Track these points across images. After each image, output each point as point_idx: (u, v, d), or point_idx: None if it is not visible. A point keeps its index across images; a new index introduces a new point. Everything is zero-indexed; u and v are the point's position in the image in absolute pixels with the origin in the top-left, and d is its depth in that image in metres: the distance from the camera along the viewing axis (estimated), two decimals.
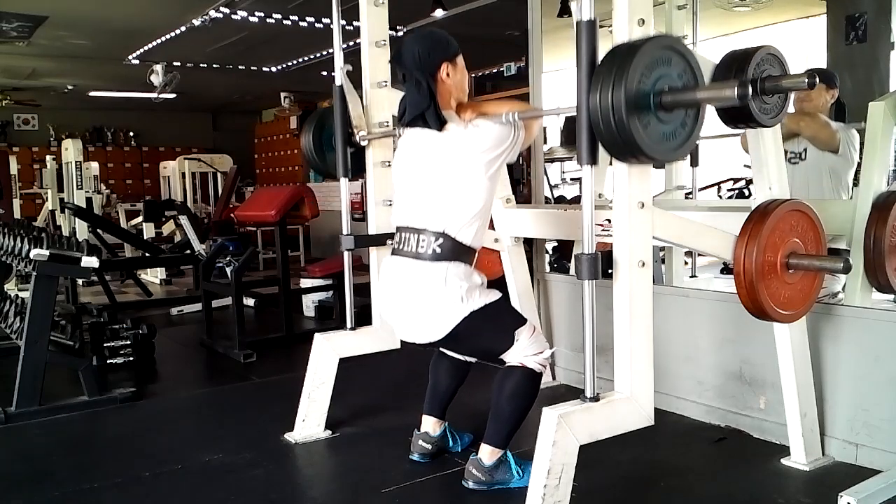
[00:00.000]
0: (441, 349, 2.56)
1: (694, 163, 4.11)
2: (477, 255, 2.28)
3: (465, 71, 2.33)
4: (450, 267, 2.18)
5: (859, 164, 2.88)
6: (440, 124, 2.21)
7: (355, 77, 2.85)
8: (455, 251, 2.19)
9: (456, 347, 2.39)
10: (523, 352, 2.20)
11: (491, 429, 2.28)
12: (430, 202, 2.23)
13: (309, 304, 5.49)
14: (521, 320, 2.27)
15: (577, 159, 1.85)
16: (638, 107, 1.69)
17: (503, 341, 2.21)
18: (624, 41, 1.81)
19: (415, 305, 2.23)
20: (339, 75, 2.79)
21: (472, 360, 2.54)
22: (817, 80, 3.12)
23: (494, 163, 2.18)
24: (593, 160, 1.82)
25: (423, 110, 2.21)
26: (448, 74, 2.25)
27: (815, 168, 3.12)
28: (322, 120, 2.95)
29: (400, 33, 6.00)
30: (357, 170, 2.86)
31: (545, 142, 4.84)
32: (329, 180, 2.99)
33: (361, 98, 2.82)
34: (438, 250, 2.18)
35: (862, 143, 2.93)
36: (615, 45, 1.79)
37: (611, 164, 3.29)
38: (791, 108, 3.04)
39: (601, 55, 1.79)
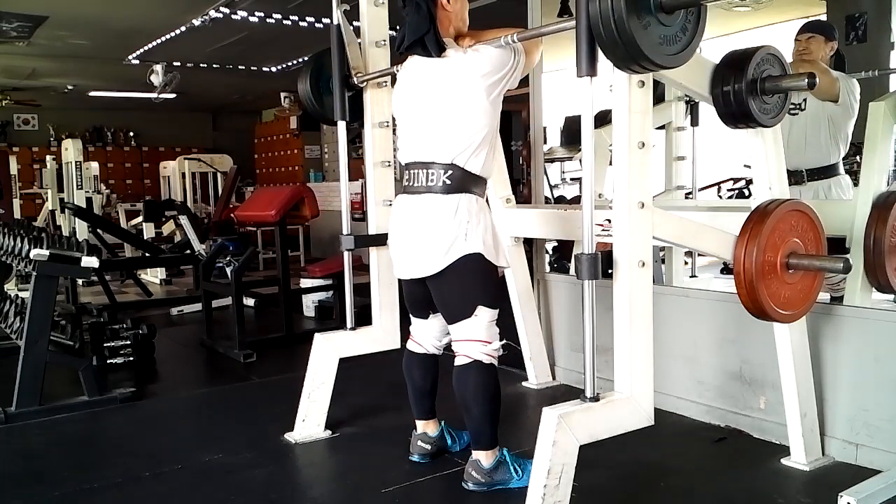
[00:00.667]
0: (409, 349, 2.55)
1: (694, 122, 4.10)
2: (487, 184, 2.28)
3: (465, 2, 2.30)
4: (461, 199, 2.17)
5: (859, 117, 2.86)
6: (439, 49, 2.18)
7: None
8: (465, 181, 2.18)
9: (435, 289, 2.32)
10: (473, 333, 2.20)
11: (473, 434, 2.29)
12: (435, 133, 2.21)
13: (309, 304, 5.49)
14: (493, 302, 2.25)
15: (576, 71, 1.81)
16: (637, 7, 1.69)
17: (466, 306, 2.21)
18: None
19: (421, 236, 2.23)
20: (337, 15, 2.72)
21: (437, 350, 2.52)
22: (816, 34, 3.14)
23: (496, 87, 2.16)
24: (593, 70, 1.80)
25: (422, 34, 2.18)
26: (449, 1, 2.22)
27: (814, 118, 3.12)
28: (319, 63, 2.89)
29: None
30: (355, 114, 2.79)
31: (545, 142, 4.84)
32: (327, 124, 2.92)
33: (360, 45, 2.77)
34: (449, 182, 2.17)
35: (862, 105, 2.91)
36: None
37: (611, 163, 3.30)
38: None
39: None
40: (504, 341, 2.32)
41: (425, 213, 2.22)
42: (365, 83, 2.75)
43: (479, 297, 2.22)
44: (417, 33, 2.19)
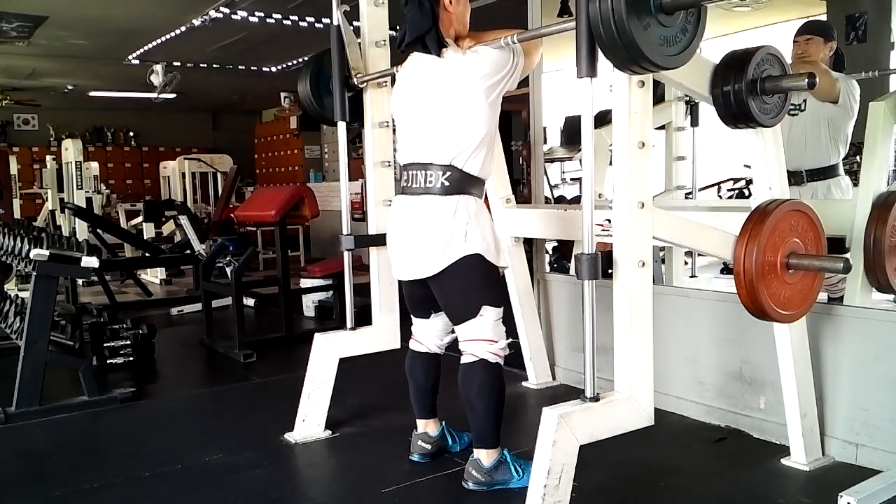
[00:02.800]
0: (412, 348, 2.55)
1: (694, 123, 4.10)
2: (486, 186, 2.27)
3: (467, 4, 2.31)
4: (460, 201, 2.18)
5: (858, 120, 2.86)
6: (440, 48, 2.19)
7: None
8: (464, 183, 2.18)
9: (437, 290, 2.32)
10: (479, 333, 2.21)
11: (476, 432, 2.29)
12: (434, 135, 2.21)
13: (309, 304, 5.49)
14: (497, 301, 2.26)
15: (576, 71, 1.81)
16: (637, 8, 1.69)
17: (470, 306, 2.21)
18: None
19: (420, 237, 2.23)
20: (337, 15, 2.72)
21: (439, 349, 2.53)
22: (815, 36, 3.13)
23: (495, 89, 2.16)
24: (593, 71, 1.80)
25: (423, 32, 2.19)
26: (451, 2, 2.23)
27: (813, 118, 3.11)
28: (320, 64, 2.90)
29: None
30: (355, 114, 2.80)
31: (545, 142, 4.84)
32: (327, 125, 2.94)
33: (360, 45, 2.77)
34: (447, 183, 2.17)
35: (862, 105, 2.90)
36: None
37: (611, 163, 3.30)
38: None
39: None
40: (510, 340, 2.32)
41: (423, 214, 2.22)
42: (365, 84, 2.76)
43: (483, 297, 2.22)
44: (419, 31, 2.19)
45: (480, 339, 2.22)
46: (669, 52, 1.79)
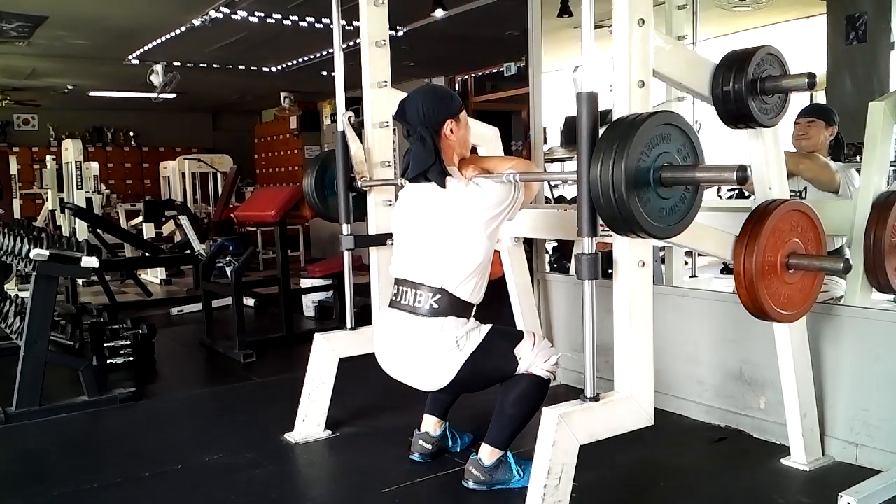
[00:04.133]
0: None
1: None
2: (475, 309, 2.26)
3: (468, 126, 2.34)
4: (446, 321, 2.17)
5: None
6: (443, 180, 2.21)
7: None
8: (452, 307, 2.18)
9: (464, 390, 2.37)
10: (531, 364, 2.20)
11: (493, 430, 2.28)
12: (429, 257, 2.22)
13: (309, 304, 5.49)
14: (518, 337, 2.24)
15: (577, 233, 1.84)
16: (638, 184, 1.70)
17: (507, 366, 2.19)
18: (625, 114, 1.80)
19: (413, 359, 2.23)
20: (341, 121, 2.79)
21: None
22: (816, 119, 3.12)
23: (494, 221, 2.18)
24: (594, 232, 1.82)
25: (427, 167, 2.21)
26: (452, 131, 2.25)
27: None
28: (324, 164, 2.97)
29: (400, 33, 6.00)
30: (359, 214, 2.87)
31: (545, 142, 4.84)
32: (331, 222, 3.03)
33: (361, 139, 2.82)
34: (436, 306, 2.17)
35: (861, 109, 2.90)
36: (616, 117, 1.79)
37: None
38: (791, 147, 3.05)
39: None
40: (561, 354, 2.31)
41: (412, 335, 2.21)
42: (369, 188, 2.81)
43: (508, 351, 2.20)
44: (423, 165, 2.22)
45: (536, 365, 2.20)
46: (668, 222, 1.80)
